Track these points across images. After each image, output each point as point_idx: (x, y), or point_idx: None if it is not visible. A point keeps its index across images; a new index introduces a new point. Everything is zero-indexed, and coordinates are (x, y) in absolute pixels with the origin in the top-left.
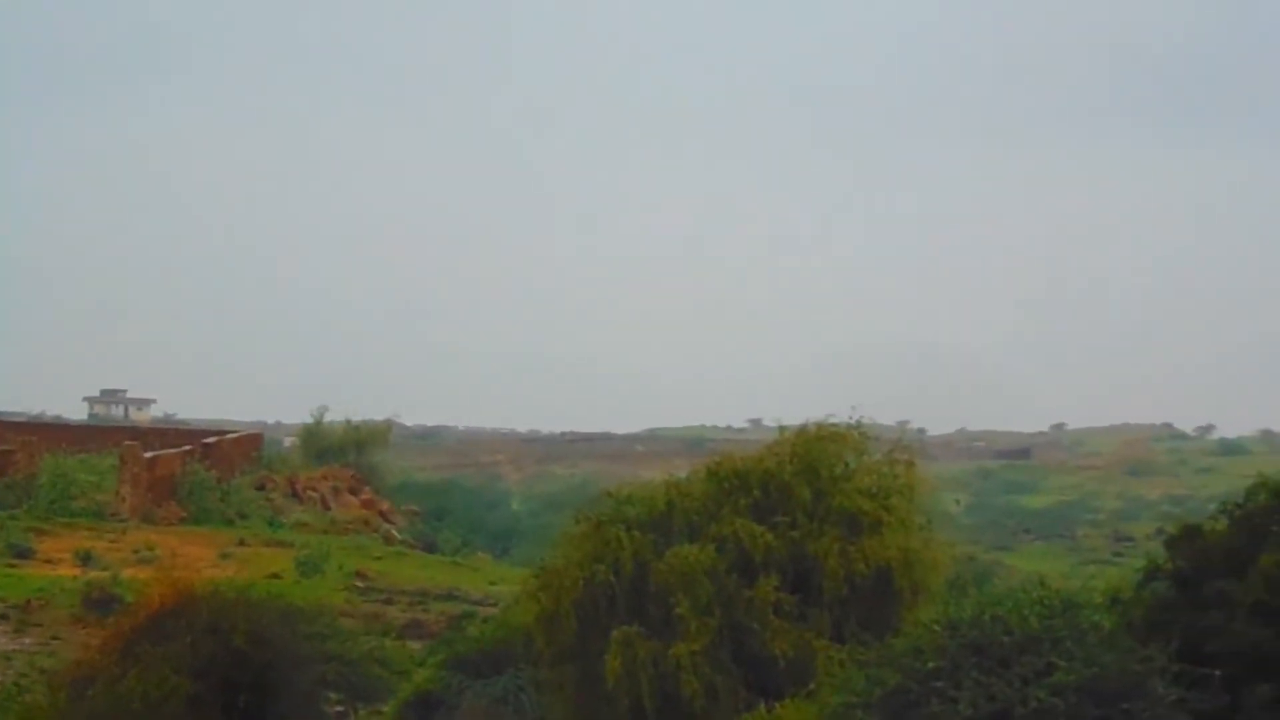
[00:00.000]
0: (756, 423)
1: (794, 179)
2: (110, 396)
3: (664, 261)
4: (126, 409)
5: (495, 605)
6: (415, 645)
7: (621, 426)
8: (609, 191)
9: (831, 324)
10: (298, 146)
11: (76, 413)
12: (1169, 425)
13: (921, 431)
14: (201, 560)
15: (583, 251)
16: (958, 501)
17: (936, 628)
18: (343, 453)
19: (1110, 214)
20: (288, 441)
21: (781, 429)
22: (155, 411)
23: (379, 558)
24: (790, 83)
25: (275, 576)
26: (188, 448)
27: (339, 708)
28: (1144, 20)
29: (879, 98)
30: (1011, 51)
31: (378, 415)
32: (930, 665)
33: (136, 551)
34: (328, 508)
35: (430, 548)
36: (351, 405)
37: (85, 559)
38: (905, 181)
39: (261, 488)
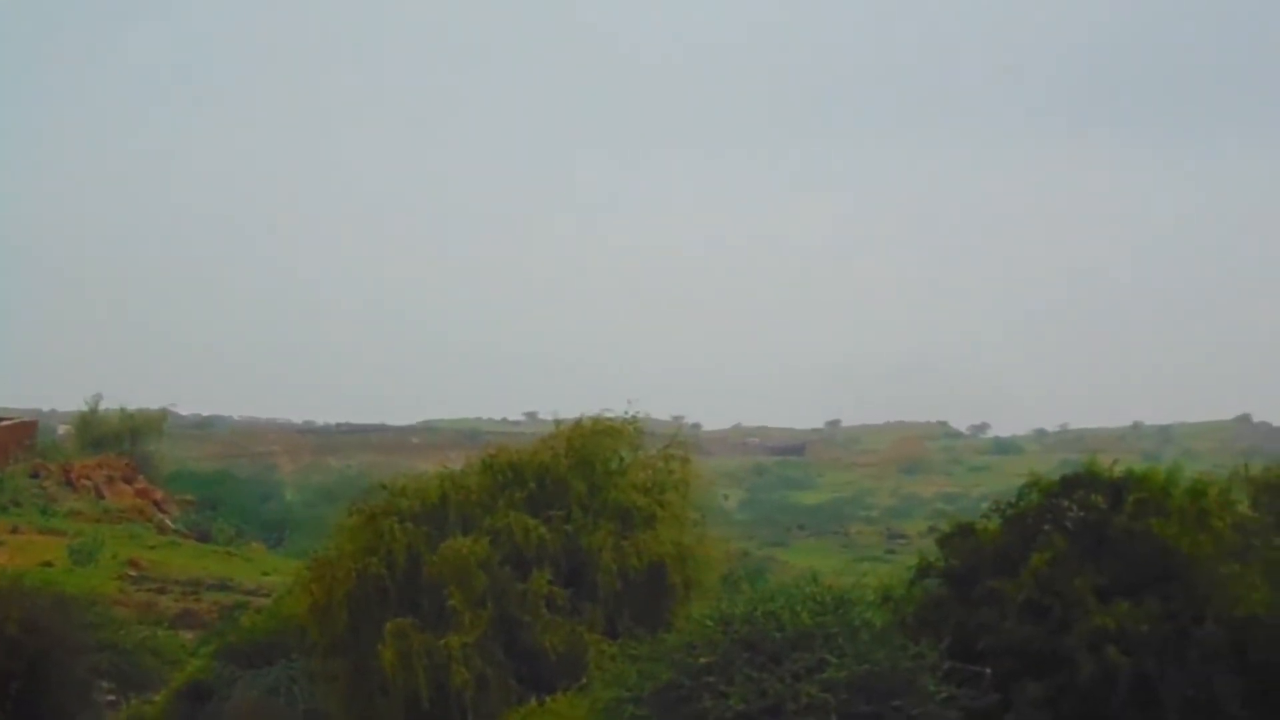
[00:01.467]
0: (532, 415)
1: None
2: None
3: (440, 253)
4: None
5: (268, 596)
6: (187, 635)
7: (397, 418)
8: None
9: (606, 318)
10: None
11: None
12: (944, 423)
13: (696, 427)
14: None
15: (356, 244)
16: (726, 497)
17: (709, 623)
18: (117, 441)
19: (889, 214)
20: (62, 429)
21: (557, 422)
22: None
23: (153, 547)
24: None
25: (48, 565)
26: None
27: (111, 696)
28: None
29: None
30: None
31: (153, 404)
32: (702, 660)
33: None
34: (102, 496)
35: (204, 538)
36: (127, 393)
37: None
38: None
39: (35, 475)
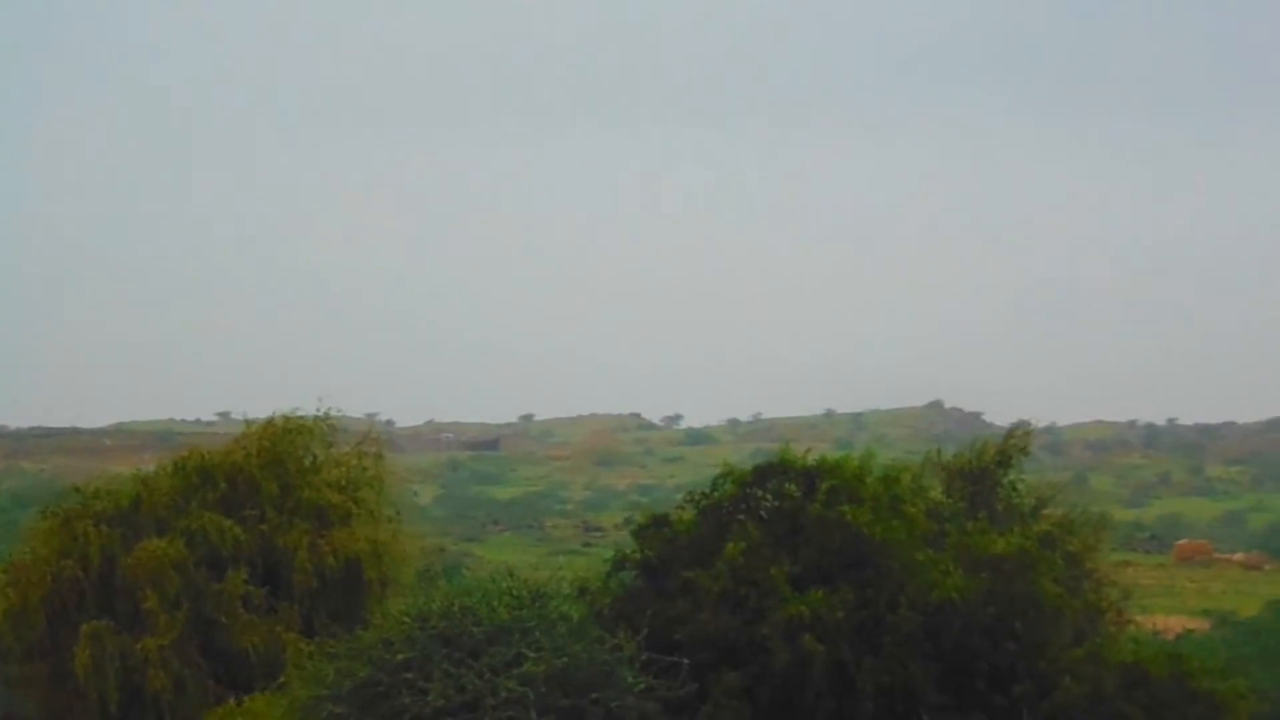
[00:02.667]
0: (226, 415)
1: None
2: None
3: (129, 253)
4: None
5: None
6: None
7: (89, 420)
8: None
9: (297, 316)
10: None
11: None
12: (637, 415)
13: (390, 423)
14: None
15: (42, 245)
16: (416, 492)
17: (406, 619)
18: None
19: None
20: None
21: (249, 422)
22: None
23: None
24: None
25: None
26: None
27: None
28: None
29: None
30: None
31: None
32: (400, 657)
33: None
34: None
35: None
36: None
37: None
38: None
39: None
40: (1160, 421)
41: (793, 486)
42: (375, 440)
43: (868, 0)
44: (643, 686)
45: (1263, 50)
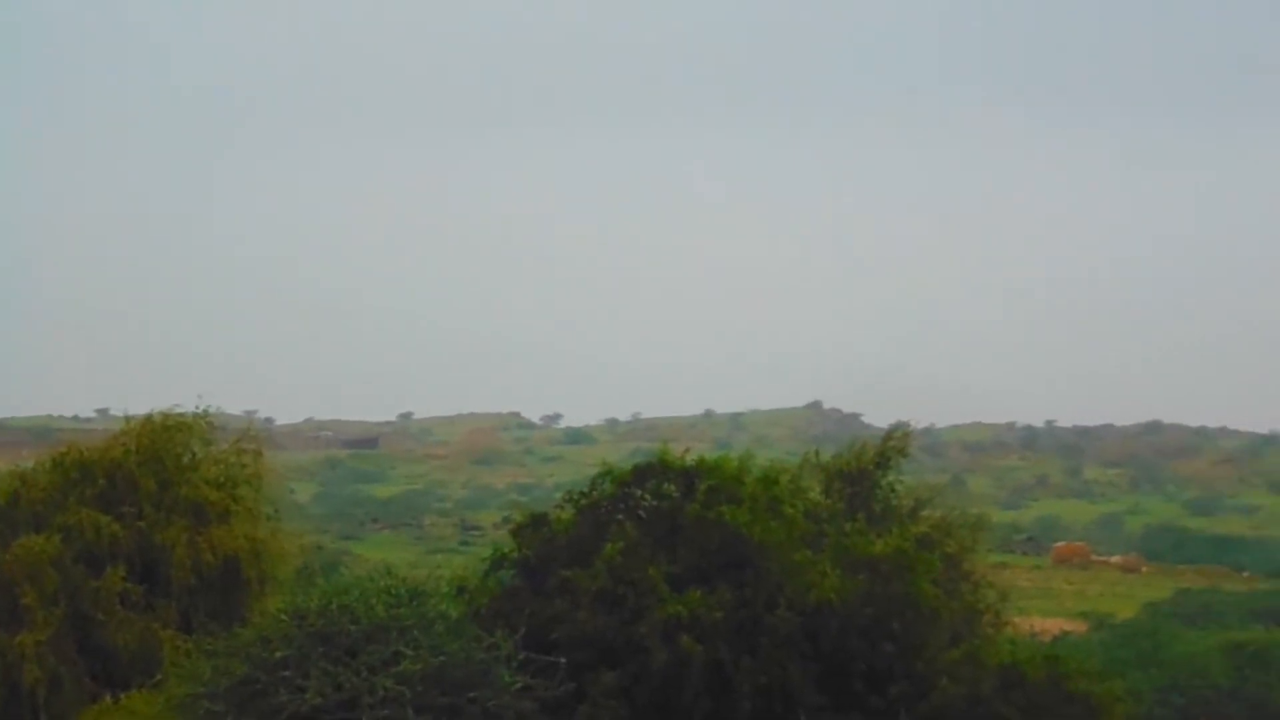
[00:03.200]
0: (104, 412)
1: None
2: None
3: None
4: None
5: None
6: None
7: None
8: None
9: (176, 311)
10: None
11: None
12: (516, 414)
13: (269, 421)
14: None
15: None
16: (293, 490)
17: (284, 617)
18: None
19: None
20: None
21: (128, 419)
22: None
23: None
24: None
25: None
26: None
27: None
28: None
29: None
30: None
31: None
32: (278, 655)
33: None
34: None
35: None
36: None
37: None
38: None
39: None
40: (1038, 423)
41: (671, 487)
42: (254, 438)
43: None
44: (520, 685)
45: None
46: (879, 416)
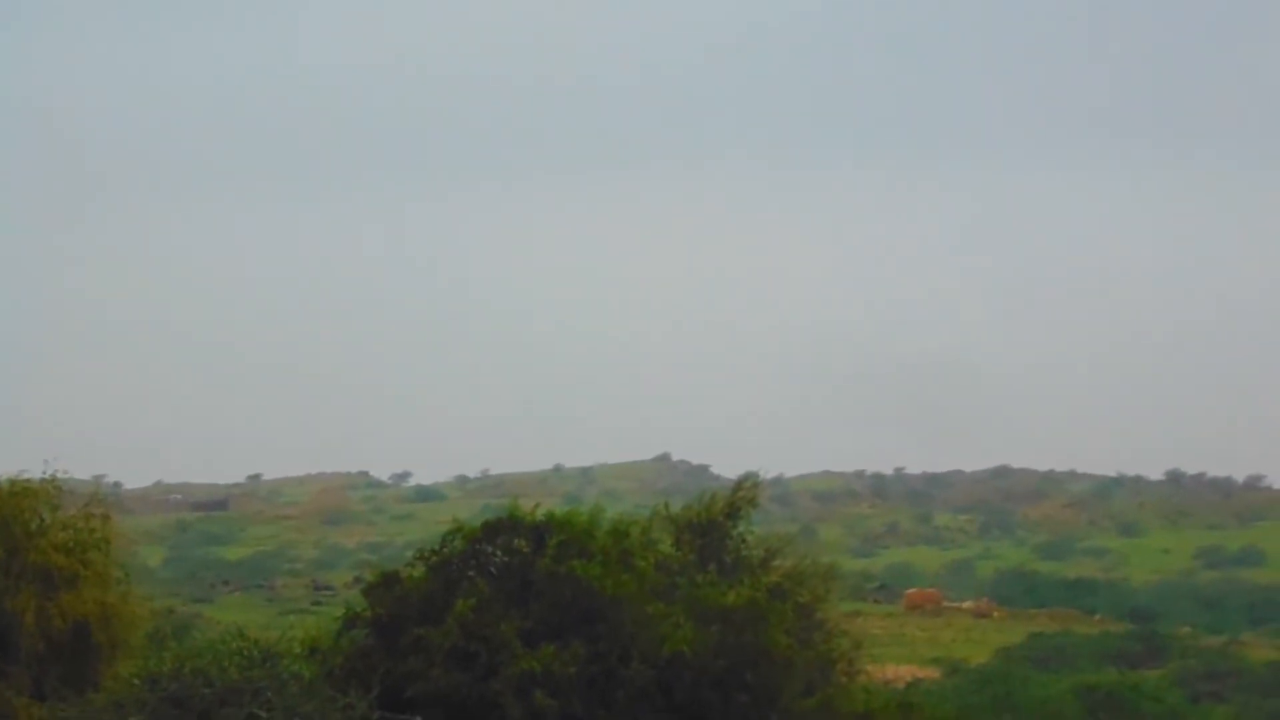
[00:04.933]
0: None
1: None
2: None
3: None
4: None
5: None
6: None
7: None
8: None
9: (22, 373)
10: None
11: None
12: (365, 473)
13: (118, 485)
14: None
15: None
16: (136, 553)
17: (136, 682)
18: None
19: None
20: None
21: None
22: None
23: None
24: None
25: None
26: None
27: None
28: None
29: None
30: None
31: None
32: (131, 719)
33: None
34: None
35: None
36: None
37: None
38: None
39: None
40: (888, 471)
41: (522, 542)
42: (102, 502)
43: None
44: None
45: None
46: (728, 467)
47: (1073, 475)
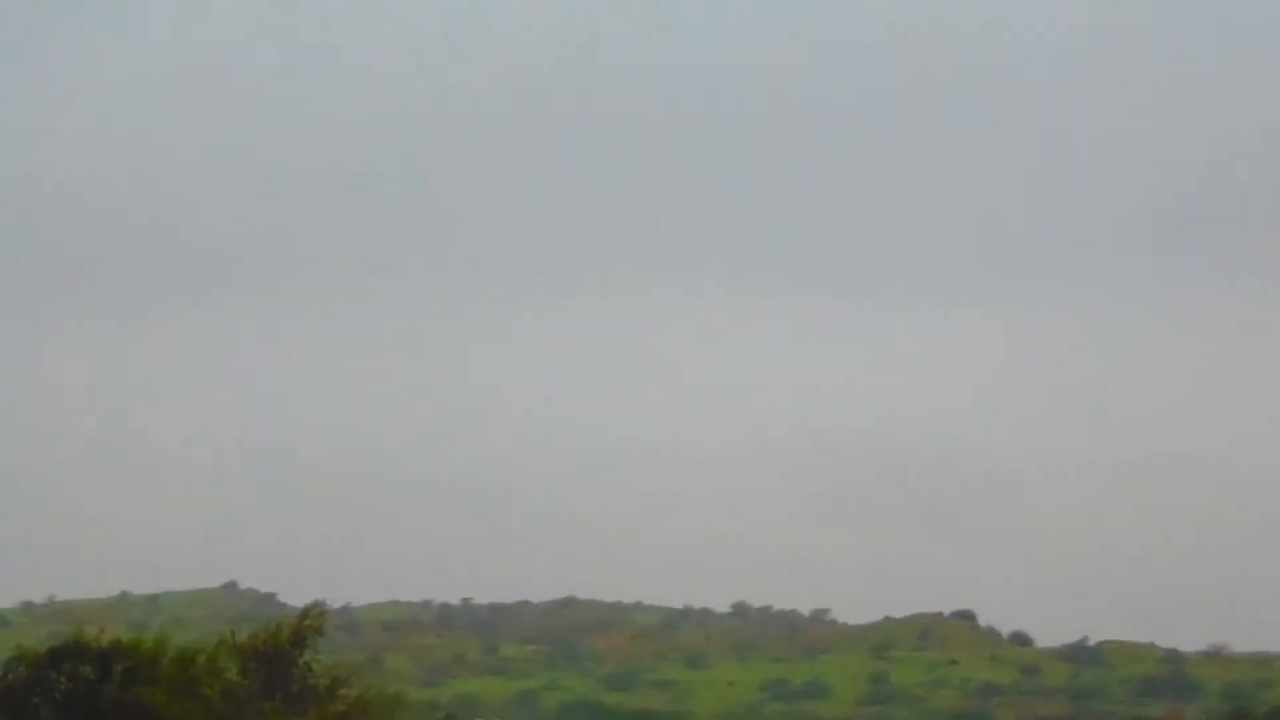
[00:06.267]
0: None
1: None
2: None
3: None
4: None
5: None
6: None
7: None
8: None
9: None
10: None
11: None
12: None
13: None
14: None
15: None
16: None
17: None
18: None
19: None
20: None
21: None
22: None
23: None
24: None
25: None
26: None
27: None
28: None
29: None
30: None
31: None
32: None
33: None
34: None
35: None
36: None
37: None
38: None
39: None
40: (455, 601)
41: (88, 668)
42: None
43: None
44: None
45: None
46: (295, 595)
47: (639, 607)
